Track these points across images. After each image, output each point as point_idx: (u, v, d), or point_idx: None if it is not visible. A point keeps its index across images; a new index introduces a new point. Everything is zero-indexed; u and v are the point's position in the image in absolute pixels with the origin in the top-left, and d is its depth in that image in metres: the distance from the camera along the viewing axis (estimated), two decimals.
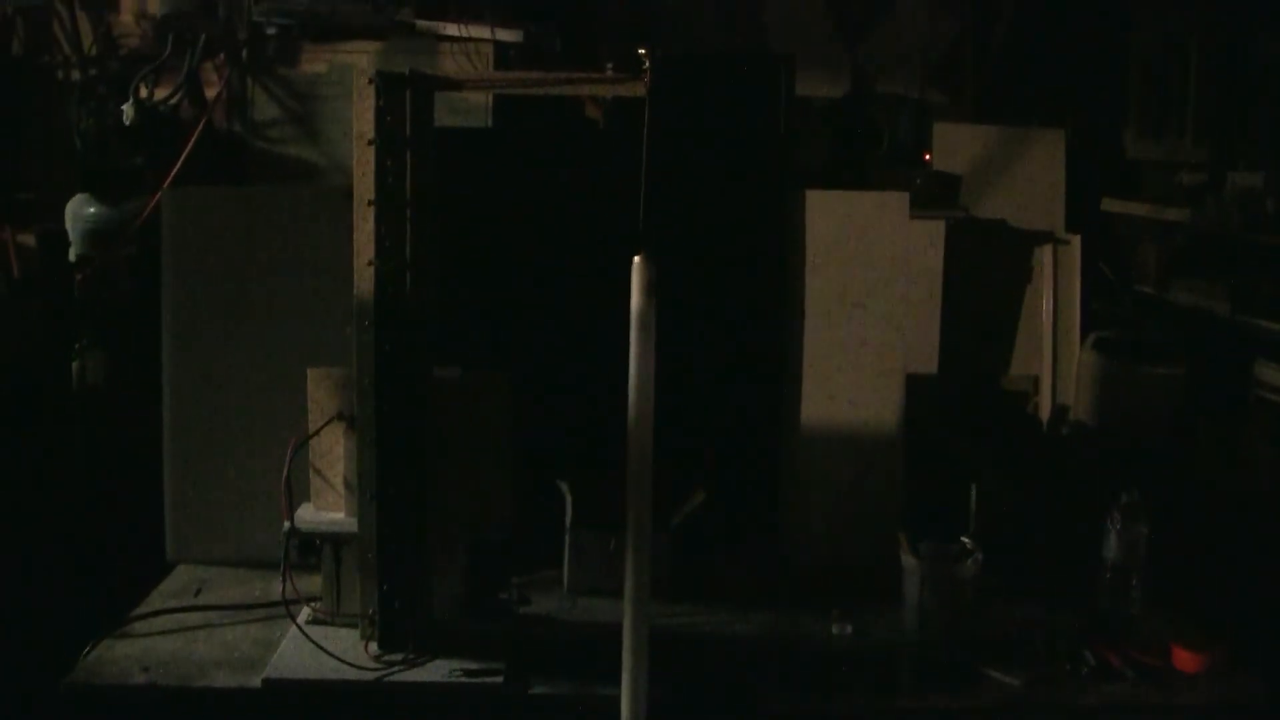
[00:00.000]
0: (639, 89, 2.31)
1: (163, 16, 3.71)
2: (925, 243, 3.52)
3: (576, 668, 2.45)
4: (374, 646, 2.47)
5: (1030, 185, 4.09)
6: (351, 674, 2.39)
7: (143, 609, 2.70)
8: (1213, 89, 4.38)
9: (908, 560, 2.63)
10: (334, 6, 3.66)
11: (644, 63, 2.29)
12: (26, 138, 3.82)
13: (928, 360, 3.56)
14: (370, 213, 2.39)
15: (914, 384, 3.08)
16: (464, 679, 2.39)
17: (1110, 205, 4.57)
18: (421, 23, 3.76)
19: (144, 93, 3.63)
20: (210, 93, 3.74)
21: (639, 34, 3.89)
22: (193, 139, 3.48)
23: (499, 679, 2.39)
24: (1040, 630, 2.65)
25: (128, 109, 3.51)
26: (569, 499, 2.86)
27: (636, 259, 2.14)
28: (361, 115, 2.38)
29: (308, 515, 2.60)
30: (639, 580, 2.16)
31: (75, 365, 3.42)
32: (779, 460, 3.01)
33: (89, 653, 2.49)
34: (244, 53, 3.77)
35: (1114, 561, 2.73)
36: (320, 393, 2.57)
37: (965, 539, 2.65)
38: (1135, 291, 4.34)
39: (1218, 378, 3.80)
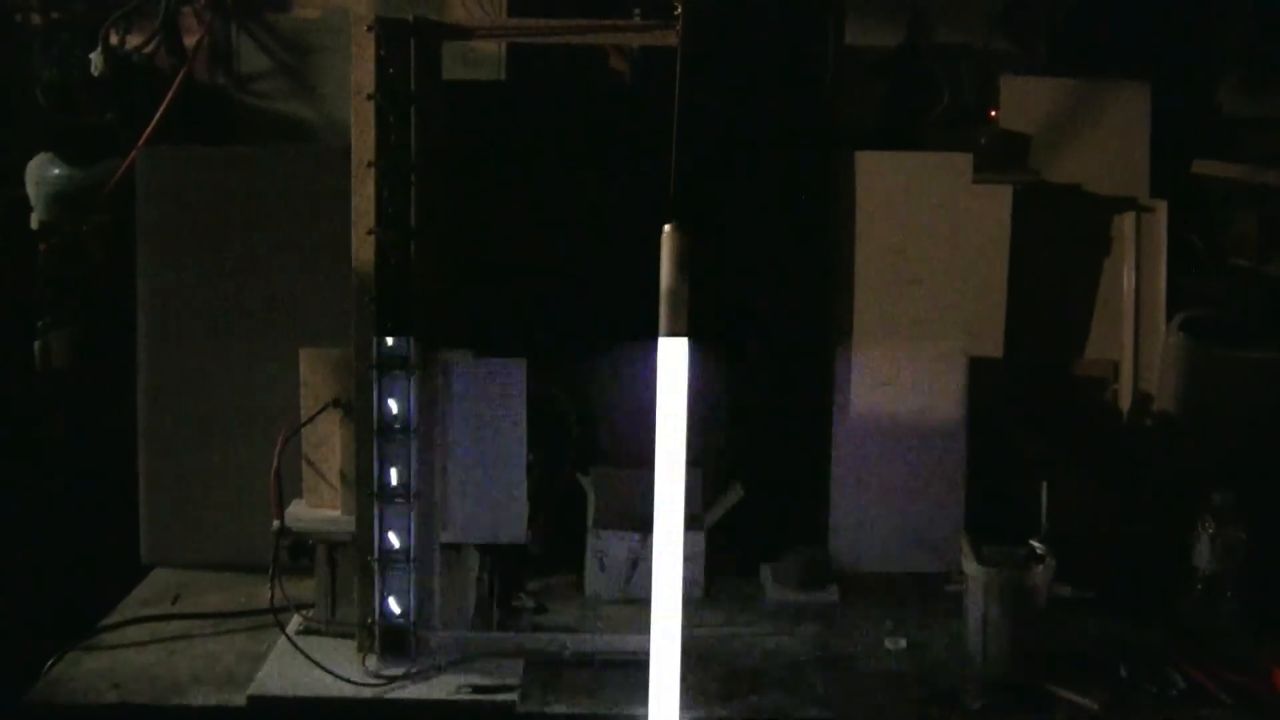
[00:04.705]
0: (670, 38, 2.31)
1: None
2: (990, 210, 3.52)
3: (599, 684, 2.46)
4: (372, 660, 2.49)
5: (1110, 145, 4.06)
6: (347, 690, 2.41)
7: (114, 618, 2.73)
8: None
9: (971, 567, 2.63)
10: None
11: (675, 9, 2.28)
12: None
13: (992, 343, 3.55)
14: (370, 175, 2.40)
15: (977, 369, 3.08)
16: (473, 696, 2.41)
17: (1202, 168, 4.53)
18: None
19: (115, 40, 3.64)
20: (190, 41, 3.75)
21: None
22: (171, 93, 3.50)
23: (512, 696, 2.41)
24: (1120, 647, 2.64)
25: (96, 58, 3.52)
26: (591, 496, 2.87)
27: (666, 228, 2.14)
28: (360, 67, 2.39)
29: (299, 513, 2.61)
30: (669, 587, 2.17)
31: (37, 345, 3.44)
32: (827, 453, 3.01)
33: (52, 666, 2.51)
34: None
35: (1205, 571, 2.73)
36: (314, 376, 2.58)
37: (1035, 543, 2.65)
38: (1229, 265, 4.31)
39: None
